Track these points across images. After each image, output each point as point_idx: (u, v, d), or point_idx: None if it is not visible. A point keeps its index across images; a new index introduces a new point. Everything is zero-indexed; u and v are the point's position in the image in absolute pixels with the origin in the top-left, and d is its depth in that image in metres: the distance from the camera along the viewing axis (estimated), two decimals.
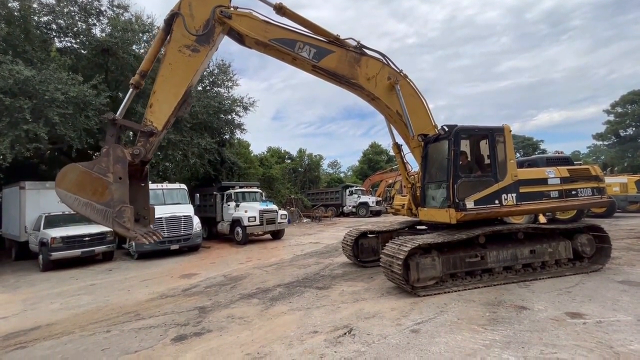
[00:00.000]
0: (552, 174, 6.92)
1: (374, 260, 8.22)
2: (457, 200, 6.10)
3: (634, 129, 47.66)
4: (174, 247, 11.92)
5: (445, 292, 5.78)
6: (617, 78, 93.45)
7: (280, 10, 6.30)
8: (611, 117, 49.92)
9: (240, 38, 6.28)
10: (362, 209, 28.06)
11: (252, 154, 33.31)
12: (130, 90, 5.55)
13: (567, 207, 7.48)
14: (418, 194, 7.39)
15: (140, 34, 15.05)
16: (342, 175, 56.69)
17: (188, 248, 12.70)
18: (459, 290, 5.85)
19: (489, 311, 4.91)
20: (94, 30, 14.41)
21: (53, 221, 11.33)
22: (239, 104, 18.89)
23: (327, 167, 57.11)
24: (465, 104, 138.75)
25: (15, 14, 12.23)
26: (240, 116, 19.60)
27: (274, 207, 15.34)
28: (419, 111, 7.13)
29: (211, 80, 18.10)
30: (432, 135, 6.94)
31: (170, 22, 5.60)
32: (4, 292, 8.08)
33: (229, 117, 19.16)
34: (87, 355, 4.27)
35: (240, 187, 17.06)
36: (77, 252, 10.51)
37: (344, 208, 29.93)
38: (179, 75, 5.52)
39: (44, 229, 10.94)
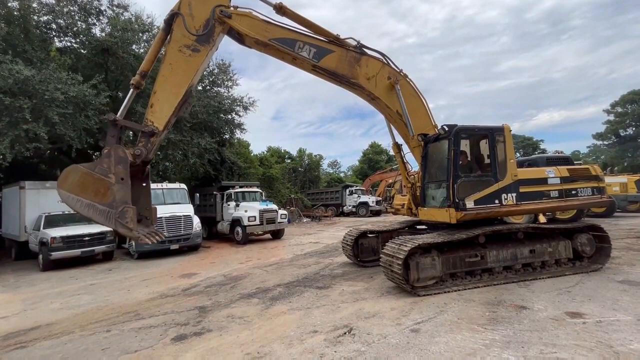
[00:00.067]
0: (552, 173, 6.92)
1: (374, 260, 8.22)
2: (457, 200, 6.11)
3: (634, 128, 47.71)
4: (174, 246, 11.93)
5: (445, 292, 5.79)
6: (617, 78, 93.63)
7: (280, 9, 6.31)
8: (611, 117, 50.08)
9: (240, 38, 6.28)
10: (362, 209, 28.05)
11: (252, 154, 33.33)
12: (131, 90, 5.55)
13: (567, 207, 7.48)
14: (418, 194, 7.40)
15: (140, 34, 15.06)
16: (342, 175, 56.79)
17: (188, 248, 12.70)
18: (459, 290, 5.86)
19: (489, 311, 4.91)
20: (93, 30, 14.43)
21: (53, 221, 11.34)
22: (239, 103, 18.91)
23: (327, 166, 57.29)
24: (465, 103, 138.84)
25: (15, 13, 12.23)
26: (240, 116, 19.66)
27: (274, 206, 15.33)
28: (419, 111, 7.14)
29: (211, 79, 18.11)
30: (432, 135, 6.95)
31: (170, 22, 5.61)
32: (4, 291, 8.08)
33: (229, 116, 19.16)
34: (87, 355, 4.27)
35: (240, 187, 17.03)
36: (77, 251, 10.52)
37: (344, 208, 29.93)
38: (180, 75, 5.53)
39: (43, 228, 10.94)
